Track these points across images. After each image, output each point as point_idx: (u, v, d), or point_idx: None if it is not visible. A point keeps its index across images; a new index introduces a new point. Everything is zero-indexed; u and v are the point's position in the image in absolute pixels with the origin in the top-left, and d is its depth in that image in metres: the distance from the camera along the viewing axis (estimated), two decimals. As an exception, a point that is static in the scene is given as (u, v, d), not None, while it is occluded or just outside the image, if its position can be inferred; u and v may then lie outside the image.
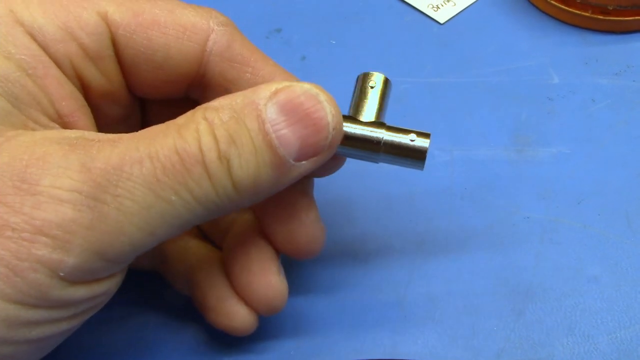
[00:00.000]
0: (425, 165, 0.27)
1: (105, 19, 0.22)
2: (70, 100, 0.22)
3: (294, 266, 0.29)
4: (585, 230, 0.30)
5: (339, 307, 0.28)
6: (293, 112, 0.20)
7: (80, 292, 0.19)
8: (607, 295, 0.28)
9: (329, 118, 0.21)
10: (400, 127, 0.23)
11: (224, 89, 0.24)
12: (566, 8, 0.37)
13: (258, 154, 0.20)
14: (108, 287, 0.20)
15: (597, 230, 0.30)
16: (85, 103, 0.22)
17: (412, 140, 0.23)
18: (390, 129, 0.23)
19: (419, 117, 0.34)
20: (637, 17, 0.37)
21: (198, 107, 0.21)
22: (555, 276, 0.28)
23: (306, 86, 0.21)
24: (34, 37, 0.21)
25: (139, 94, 0.25)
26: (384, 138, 0.23)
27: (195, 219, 0.20)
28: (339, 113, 0.22)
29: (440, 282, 0.28)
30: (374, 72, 0.24)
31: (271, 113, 0.20)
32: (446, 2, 0.39)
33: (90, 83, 0.23)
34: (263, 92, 0.21)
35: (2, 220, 0.18)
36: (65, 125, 0.21)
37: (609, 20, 0.37)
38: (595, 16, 0.37)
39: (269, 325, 0.27)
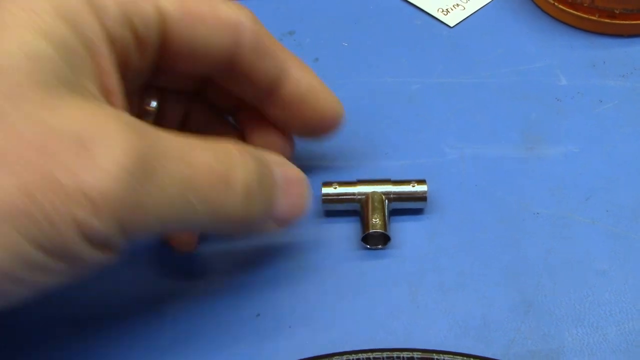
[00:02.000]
0: (437, 162, 0.32)
1: (159, 10, 0.24)
2: (114, 80, 0.23)
3: (312, 260, 0.30)
4: (593, 225, 0.30)
5: (354, 299, 0.28)
6: (290, 189, 0.26)
7: (91, 254, 0.20)
8: (615, 288, 0.28)
9: (307, 204, 0.27)
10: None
11: (247, 77, 0.26)
12: (574, 12, 0.38)
13: (266, 204, 0.25)
14: (109, 258, 0.21)
15: (605, 226, 0.30)
16: (121, 85, 0.23)
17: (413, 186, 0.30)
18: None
19: (431, 116, 0.35)
20: (643, 21, 0.37)
21: (228, 143, 0.24)
22: (564, 270, 0.29)
23: (302, 174, 0.26)
24: (97, 16, 0.22)
25: (162, 83, 0.26)
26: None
27: (204, 229, 0.25)
28: (308, 200, 0.27)
29: (451, 275, 0.29)
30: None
31: (278, 181, 0.25)
32: (456, 6, 0.40)
33: (129, 67, 0.24)
34: (276, 163, 0.26)
35: (53, 173, 0.19)
36: (108, 102, 0.22)
37: (616, 23, 0.38)
38: (602, 20, 0.38)
39: (283, 320, 0.28)
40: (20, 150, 0.19)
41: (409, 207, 0.31)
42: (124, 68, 0.24)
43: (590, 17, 0.38)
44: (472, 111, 0.35)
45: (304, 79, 0.28)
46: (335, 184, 0.30)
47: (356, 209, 0.30)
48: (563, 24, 0.39)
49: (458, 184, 0.32)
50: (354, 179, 0.31)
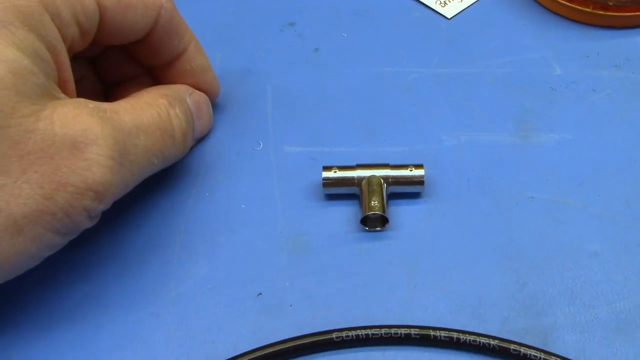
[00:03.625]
0: (435, 149, 0.33)
1: (99, 4, 0.27)
2: (68, 71, 0.27)
3: (312, 242, 0.30)
4: (585, 209, 0.31)
5: (352, 278, 0.29)
6: (200, 110, 0.33)
7: (88, 225, 0.26)
8: (606, 269, 0.29)
9: (211, 119, 0.35)
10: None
11: (154, 49, 0.31)
12: (568, 4, 0.39)
13: (193, 133, 0.32)
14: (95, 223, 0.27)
15: (597, 210, 0.31)
16: (71, 70, 0.27)
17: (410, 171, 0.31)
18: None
19: (428, 105, 0.36)
20: (636, 13, 0.38)
21: (156, 93, 0.30)
22: (557, 251, 0.30)
23: (205, 96, 0.33)
24: (54, 20, 0.25)
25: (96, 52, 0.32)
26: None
27: (158, 167, 0.29)
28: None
29: (447, 256, 0.30)
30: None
31: (192, 107, 0.32)
32: (453, -1, 0.41)
33: (76, 54, 0.28)
34: (186, 94, 0.32)
35: (65, 178, 0.24)
36: (63, 90, 0.26)
37: (610, 15, 0.38)
38: (597, 12, 0.38)
39: (284, 299, 0.29)
40: (29, 161, 0.23)
41: (406, 191, 0.31)
42: (74, 54, 0.28)
43: (584, 9, 0.39)
44: (468, 100, 0.36)
45: (198, 58, 0.33)
46: (335, 168, 0.31)
47: (355, 192, 0.31)
48: (558, 16, 0.40)
49: (454, 169, 0.33)
50: (353, 163, 0.32)
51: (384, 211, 0.30)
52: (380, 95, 0.36)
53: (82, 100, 0.26)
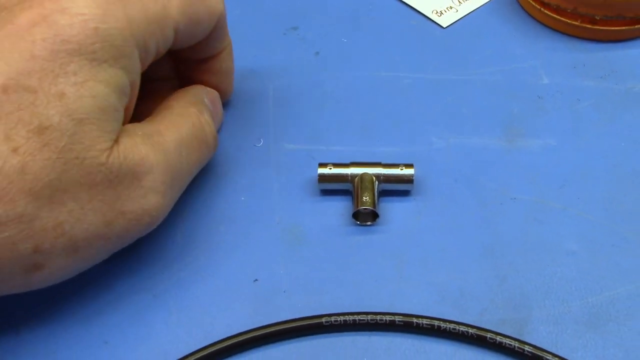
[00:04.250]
0: (425, 150, 0.35)
1: (176, 31, 0.28)
2: (134, 99, 0.28)
3: (307, 234, 0.32)
4: (565, 211, 0.33)
5: (343, 268, 0.31)
6: (216, 106, 0.34)
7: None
8: (582, 267, 0.31)
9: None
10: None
11: (200, 48, 0.32)
12: (558, 17, 0.41)
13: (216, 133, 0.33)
14: None
15: (576, 211, 0.33)
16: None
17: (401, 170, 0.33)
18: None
19: (421, 108, 0.38)
20: (621, 28, 0.40)
21: (185, 104, 0.31)
22: (536, 249, 0.32)
23: (215, 92, 0.34)
24: (140, 57, 0.27)
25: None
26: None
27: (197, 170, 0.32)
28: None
29: (433, 251, 0.32)
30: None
31: (210, 105, 0.33)
32: (449, 9, 0.43)
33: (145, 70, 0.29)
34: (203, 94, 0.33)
35: (124, 206, 0.26)
36: (127, 116, 0.28)
37: (597, 29, 0.40)
38: (584, 25, 0.40)
39: (279, 285, 0.31)
40: (97, 191, 0.25)
41: (397, 188, 0.33)
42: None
43: (573, 22, 0.41)
44: (459, 105, 0.38)
45: (229, 60, 0.34)
46: (330, 165, 0.33)
47: (349, 188, 0.33)
48: (548, 28, 0.42)
49: (443, 170, 0.35)
50: (347, 161, 0.34)
51: (374, 206, 0.32)
52: (376, 98, 0.38)
53: (131, 126, 0.28)
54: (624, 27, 0.40)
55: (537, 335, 0.29)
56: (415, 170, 0.33)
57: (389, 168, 0.33)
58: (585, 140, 0.36)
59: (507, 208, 0.33)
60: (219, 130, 0.36)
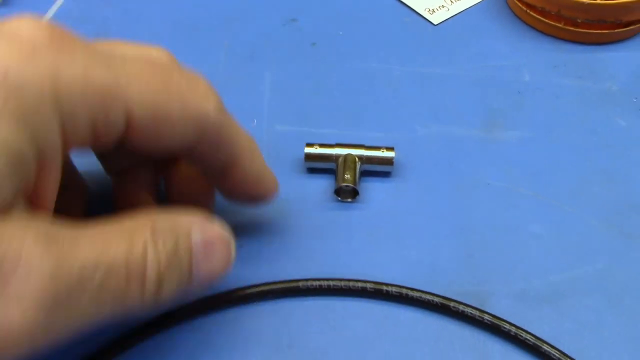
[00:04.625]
0: (409, 137, 0.37)
1: (128, 117, 0.22)
2: (50, 183, 0.22)
3: (292, 208, 0.35)
4: (534, 197, 0.35)
5: (323, 240, 0.34)
6: (211, 251, 0.25)
7: None
8: (545, 249, 0.33)
9: (230, 262, 0.26)
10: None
11: (199, 159, 0.27)
12: (543, 19, 0.43)
13: (182, 279, 0.24)
14: None
15: (544, 198, 0.35)
16: (57, 181, 0.22)
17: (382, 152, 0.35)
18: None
19: (407, 98, 0.40)
20: (602, 31, 0.43)
21: (144, 221, 0.23)
22: (504, 230, 0.34)
23: (224, 232, 0.25)
24: (62, 124, 0.20)
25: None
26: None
27: (110, 320, 0.22)
28: (233, 257, 0.26)
29: (408, 229, 0.34)
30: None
31: (197, 246, 0.24)
32: (441, 7, 0.45)
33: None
34: (194, 227, 0.24)
35: None
36: (33, 202, 0.22)
37: (579, 31, 0.43)
38: (567, 27, 0.43)
39: (262, 252, 0.33)
40: None
41: (378, 169, 0.36)
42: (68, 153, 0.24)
43: (556, 24, 0.43)
44: (443, 97, 0.40)
45: (252, 166, 0.28)
46: (317, 145, 0.36)
47: (333, 167, 0.36)
48: (533, 29, 0.44)
49: (424, 155, 0.37)
50: (333, 142, 0.36)
51: (355, 184, 0.34)
52: (366, 87, 0.41)
53: (42, 222, 0.20)
54: (605, 31, 0.43)
55: (498, 307, 0.31)
56: (396, 154, 0.36)
57: (371, 150, 0.36)
58: (559, 134, 0.38)
59: (481, 192, 0.36)
60: (204, 284, 0.25)
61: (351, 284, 0.31)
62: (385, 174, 0.36)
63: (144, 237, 0.22)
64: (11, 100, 0.19)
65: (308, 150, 0.36)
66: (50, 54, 0.20)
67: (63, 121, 0.20)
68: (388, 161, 0.35)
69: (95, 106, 0.21)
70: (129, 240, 0.22)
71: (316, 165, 0.36)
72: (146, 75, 0.22)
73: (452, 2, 0.46)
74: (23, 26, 0.21)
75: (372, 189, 0.36)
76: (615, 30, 0.43)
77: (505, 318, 0.30)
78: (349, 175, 0.34)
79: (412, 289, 0.31)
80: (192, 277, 0.24)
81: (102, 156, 0.30)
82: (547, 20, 0.43)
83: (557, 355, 0.29)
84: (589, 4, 0.41)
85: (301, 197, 0.35)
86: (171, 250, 0.23)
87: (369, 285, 0.31)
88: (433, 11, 0.45)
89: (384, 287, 0.31)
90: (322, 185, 0.36)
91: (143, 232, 0.22)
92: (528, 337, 0.29)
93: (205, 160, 0.26)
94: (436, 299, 0.31)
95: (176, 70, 0.24)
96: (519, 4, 0.44)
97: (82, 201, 0.30)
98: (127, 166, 0.30)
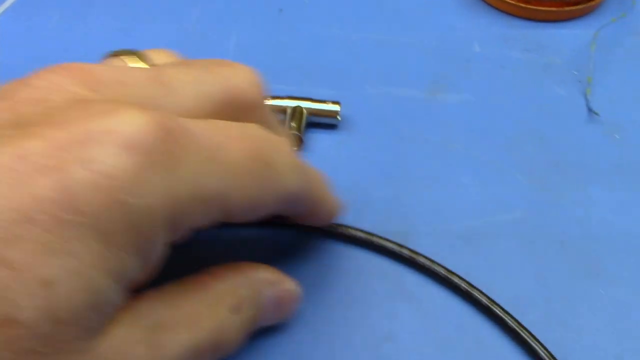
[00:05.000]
0: (358, 95, 0.40)
1: (227, 212, 0.22)
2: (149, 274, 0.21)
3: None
4: (466, 151, 0.38)
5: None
6: (279, 307, 0.26)
7: None
8: (469, 197, 0.36)
9: (293, 312, 0.28)
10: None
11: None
12: (497, -4, 0.46)
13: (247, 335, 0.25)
14: None
15: (476, 153, 0.38)
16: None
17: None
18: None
19: (361, 61, 0.43)
20: (552, 8, 0.45)
21: (225, 287, 0.23)
22: (434, 180, 0.37)
23: (295, 288, 0.27)
24: (166, 235, 0.20)
25: None
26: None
27: None
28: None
29: (347, 177, 0.37)
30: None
31: (268, 304, 0.25)
32: (404, -18, 0.48)
33: None
34: (268, 286, 0.25)
35: None
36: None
37: (530, 8, 0.45)
38: (519, 4, 0.45)
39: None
40: None
41: (324, 122, 0.39)
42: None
43: (509, 1, 0.46)
44: (395, 62, 0.43)
45: (326, 210, 0.29)
46: (269, 97, 0.39)
47: (283, 118, 0.39)
48: (488, 5, 0.47)
49: (370, 112, 0.40)
50: (285, 95, 0.39)
51: (300, 133, 0.37)
52: (325, 50, 0.44)
53: (138, 313, 0.20)
54: (554, 8, 0.45)
55: (418, 245, 0.34)
56: (343, 109, 0.39)
57: (318, 103, 0.39)
58: (499, 99, 0.41)
59: (418, 146, 0.38)
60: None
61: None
62: (332, 127, 0.39)
63: (227, 313, 0.23)
64: (127, 231, 0.18)
65: (260, 100, 0.39)
66: (164, 168, 0.18)
67: (166, 233, 0.19)
68: (333, 114, 0.38)
69: (197, 211, 0.20)
70: (215, 317, 0.22)
71: (267, 115, 0.39)
72: (247, 179, 0.22)
73: (415, -22, 0.48)
74: (127, 122, 0.18)
75: (318, 139, 0.39)
76: (565, 9, 0.45)
77: (422, 253, 0.33)
78: (294, 124, 0.37)
79: (339, 225, 0.34)
80: (255, 326, 0.25)
81: None
82: (500, -3, 0.46)
83: (465, 286, 0.32)
84: (538, -18, 0.44)
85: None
86: (252, 315, 0.24)
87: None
88: (396, -15, 0.48)
89: (315, 222, 0.34)
90: (271, 133, 0.39)
91: (225, 306, 0.23)
92: (440, 269, 0.32)
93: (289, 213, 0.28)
94: (359, 234, 0.33)
95: (268, 156, 0.23)
96: (476, -20, 0.47)
97: None
98: None
